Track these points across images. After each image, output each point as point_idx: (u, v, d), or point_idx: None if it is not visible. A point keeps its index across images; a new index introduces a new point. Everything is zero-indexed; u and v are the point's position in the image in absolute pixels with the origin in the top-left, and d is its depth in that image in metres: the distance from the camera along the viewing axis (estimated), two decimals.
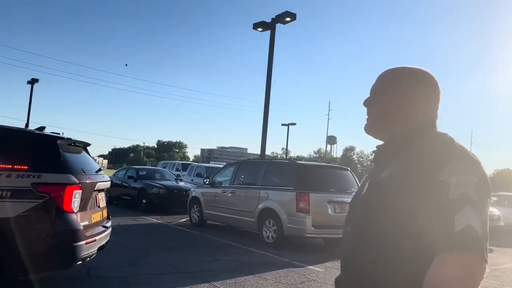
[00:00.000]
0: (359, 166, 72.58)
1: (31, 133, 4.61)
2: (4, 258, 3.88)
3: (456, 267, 0.96)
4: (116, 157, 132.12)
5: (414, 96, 1.24)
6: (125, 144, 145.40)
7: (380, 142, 1.32)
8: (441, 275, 0.97)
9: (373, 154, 1.36)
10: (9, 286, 4.43)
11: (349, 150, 78.29)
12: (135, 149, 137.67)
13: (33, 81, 27.54)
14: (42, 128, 4.95)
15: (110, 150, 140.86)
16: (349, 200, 6.33)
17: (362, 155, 78.26)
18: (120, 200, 14.61)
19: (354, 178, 9.34)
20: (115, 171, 18.94)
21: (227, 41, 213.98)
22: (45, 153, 4.37)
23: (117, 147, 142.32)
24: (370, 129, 1.31)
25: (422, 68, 1.30)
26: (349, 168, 9.77)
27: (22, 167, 4.13)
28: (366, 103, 1.33)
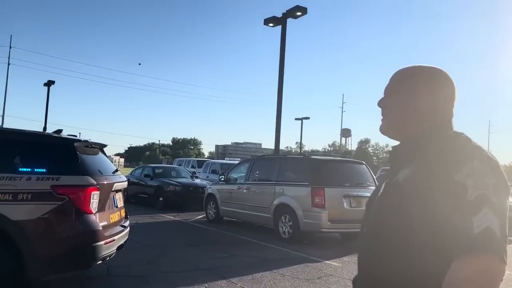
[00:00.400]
0: (374, 158, 71.95)
1: (49, 136, 4.71)
2: (27, 258, 3.98)
3: (475, 270, 0.96)
4: (132, 155, 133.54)
5: (429, 96, 1.22)
6: (141, 142, 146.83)
7: (396, 142, 1.31)
8: (459, 278, 0.97)
9: (389, 154, 1.36)
10: (33, 286, 4.55)
11: (364, 142, 77.60)
12: (150, 147, 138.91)
13: (49, 83, 27.95)
14: (59, 131, 5.04)
15: (126, 148, 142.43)
16: (365, 194, 6.38)
17: (378, 147, 77.53)
18: (137, 198, 14.80)
19: (370, 171, 9.28)
20: (132, 169, 19.18)
21: (238, 38, 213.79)
22: (63, 156, 4.46)
23: (133, 145, 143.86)
24: (385, 130, 1.31)
25: (436, 67, 1.28)
26: (364, 162, 9.70)
27: (41, 170, 4.22)
28: (380, 104, 1.32)
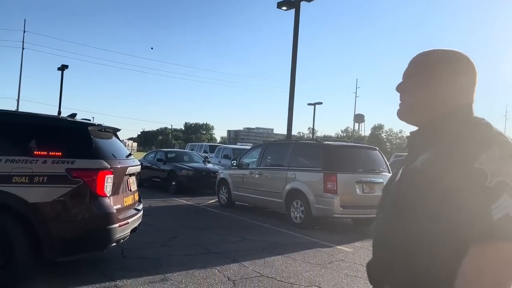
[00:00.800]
0: (388, 144, 71.39)
1: (64, 120, 4.75)
2: (44, 240, 4.06)
3: (493, 257, 0.94)
4: (145, 139, 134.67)
5: (448, 80, 1.19)
6: (154, 127, 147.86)
7: (413, 128, 1.29)
8: (477, 265, 0.95)
9: (407, 139, 1.33)
10: (49, 267, 4.66)
11: (377, 128, 76.95)
12: (163, 131, 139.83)
13: (63, 68, 28.19)
14: (74, 115, 5.08)
15: (139, 133, 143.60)
16: (377, 180, 6.34)
17: (391, 133, 76.85)
18: (150, 182, 14.97)
19: (383, 157, 9.21)
20: (145, 154, 19.35)
21: (251, 22, 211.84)
22: (78, 140, 4.50)
23: (146, 130, 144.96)
24: (403, 115, 1.28)
25: (458, 50, 1.24)
26: (377, 148, 9.62)
27: (56, 153, 4.28)
28: (399, 88, 1.29)
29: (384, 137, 76.17)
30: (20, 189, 4.06)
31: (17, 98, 38.66)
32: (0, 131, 4.38)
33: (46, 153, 4.27)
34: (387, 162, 9.29)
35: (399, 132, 74.82)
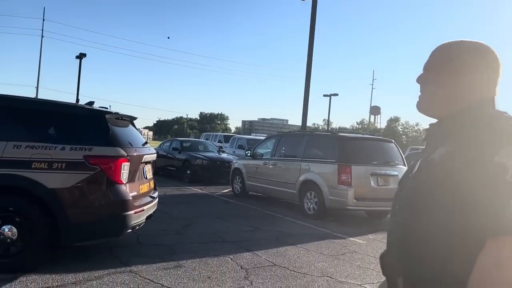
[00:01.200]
0: (404, 137, 70.59)
1: (82, 108, 4.82)
2: (62, 225, 4.16)
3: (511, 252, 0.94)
4: (161, 128, 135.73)
5: (470, 72, 1.17)
6: (169, 116, 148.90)
7: (432, 120, 1.27)
8: (495, 259, 0.95)
9: (426, 132, 1.32)
10: (66, 251, 4.77)
11: (393, 120, 76.08)
12: (178, 121, 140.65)
13: (81, 56, 28.45)
14: (92, 103, 5.16)
15: (155, 122, 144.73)
16: (392, 172, 6.28)
17: (407, 126, 75.95)
18: (165, 171, 15.13)
19: (399, 150, 9.12)
20: (161, 142, 19.52)
21: (267, 11, 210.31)
22: (95, 127, 4.57)
23: (162, 119, 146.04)
24: (422, 107, 1.27)
25: (481, 42, 1.21)
26: (393, 140, 9.53)
27: (75, 140, 4.36)
28: (419, 80, 1.27)
29: (400, 129, 75.33)
30: (39, 174, 4.16)
31: (36, 86, 39.32)
32: (21, 117, 4.47)
33: (64, 139, 4.35)
34: (402, 155, 9.20)
35: (416, 125, 73.91)
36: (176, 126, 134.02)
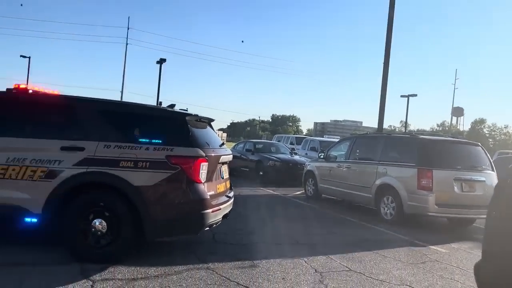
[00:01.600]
0: (490, 140, 65.29)
1: (165, 110, 5.08)
2: (145, 221, 4.41)
3: None
4: (234, 130, 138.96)
5: None
6: (242, 118, 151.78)
7: None
8: None
9: None
10: (148, 245, 5.05)
11: (478, 122, 70.63)
12: (251, 123, 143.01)
13: (161, 61, 30.09)
14: (173, 105, 5.41)
15: (229, 124, 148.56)
16: (479, 178, 5.87)
17: (494, 129, 70.12)
18: (238, 171, 15.46)
19: (486, 154, 8.46)
20: (234, 144, 20.00)
21: (339, 10, 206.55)
22: (176, 129, 4.79)
23: (235, 121, 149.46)
24: None
25: None
26: (479, 144, 8.85)
27: (158, 141, 4.60)
28: None
29: (486, 132, 69.77)
30: (126, 172, 4.45)
31: (121, 90, 42.23)
32: (110, 119, 4.82)
33: (148, 140, 4.62)
34: (491, 159, 8.52)
35: (505, 127, 68.05)
36: (248, 128, 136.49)
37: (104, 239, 4.44)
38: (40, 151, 4.54)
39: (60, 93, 5.28)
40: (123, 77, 42.38)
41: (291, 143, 23.95)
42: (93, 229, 4.42)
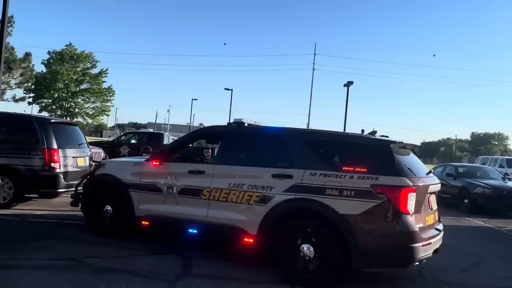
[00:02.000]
0: None
1: (368, 138, 5.04)
2: (352, 250, 4.38)
3: None
4: (426, 151, 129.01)
5: None
6: (435, 138, 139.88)
7: None
8: None
9: None
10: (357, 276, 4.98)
11: None
12: (445, 142, 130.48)
13: (348, 84, 30.38)
14: (374, 132, 5.33)
15: (419, 144, 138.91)
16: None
17: None
18: (438, 198, 14.14)
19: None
20: (431, 167, 18.48)
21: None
22: (381, 157, 4.67)
23: (426, 140, 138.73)
24: None
25: None
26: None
27: (362, 169, 4.57)
28: None
29: None
30: (331, 200, 4.54)
31: (308, 114, 44.05)
32: (316, 148, 5.03)
33: (353, 168, 4.63)
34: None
35: None
36: (443, 148, 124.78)
37: (311, 264, 4.58)
38: (255, 178, 5.04)
39: (268, 125, 5.76)
40: (310, 101, 44.15)
41: (501, 166, 20.85)
42: (301, 253, 4.62)
